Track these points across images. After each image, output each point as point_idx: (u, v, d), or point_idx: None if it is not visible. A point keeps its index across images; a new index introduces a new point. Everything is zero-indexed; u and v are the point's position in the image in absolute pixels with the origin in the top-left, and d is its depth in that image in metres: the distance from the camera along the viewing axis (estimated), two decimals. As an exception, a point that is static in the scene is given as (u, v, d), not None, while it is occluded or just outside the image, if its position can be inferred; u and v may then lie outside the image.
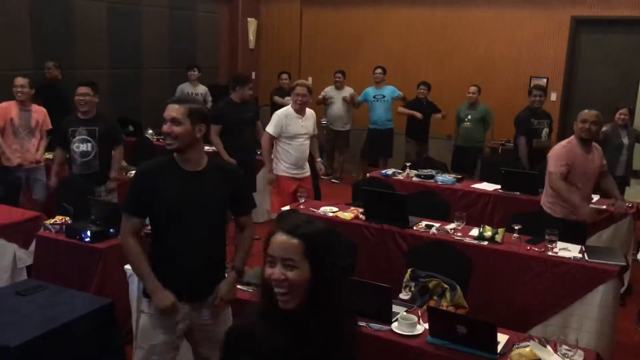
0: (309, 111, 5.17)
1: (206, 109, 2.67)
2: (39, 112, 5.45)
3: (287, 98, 5.98)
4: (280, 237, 1.49)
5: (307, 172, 5.22)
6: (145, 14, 8.28)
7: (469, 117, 7.15)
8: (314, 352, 1.50)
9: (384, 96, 7.89)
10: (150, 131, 7.48)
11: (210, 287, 2.65)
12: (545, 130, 6.28)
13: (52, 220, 3.96)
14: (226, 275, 2.72)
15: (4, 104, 5.29)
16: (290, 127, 5.04)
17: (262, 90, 9.65)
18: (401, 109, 7.71)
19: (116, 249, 3.68)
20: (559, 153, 4.23)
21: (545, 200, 4.38)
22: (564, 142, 4.32)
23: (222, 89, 8.72)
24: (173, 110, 2.49)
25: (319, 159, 5.51)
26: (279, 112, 5.12)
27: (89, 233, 3.72)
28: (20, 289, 3.09)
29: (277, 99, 7.97)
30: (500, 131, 7.66)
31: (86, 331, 2.75)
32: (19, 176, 5.30)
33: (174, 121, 2.48)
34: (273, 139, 5.10)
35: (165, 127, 2.49)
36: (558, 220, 4.20)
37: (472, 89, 7.19)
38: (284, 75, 8.46)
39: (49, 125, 5.52)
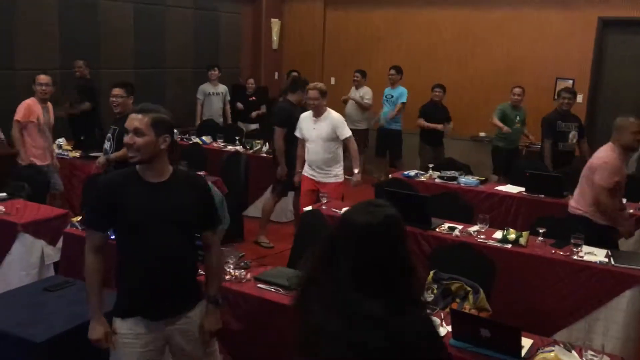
0: (331, 114, 5.09)
1: (170, 118, 2.47)
2: (51, 108, 5.52)
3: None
4: None
5: (328, 177, 5.11)
6: (170, 15, 8.37)
7: (518, 118, 6.96)
8: None
9: (392, 96, 7.89)
10: (174, 131, 7.54)
11: (180, 304, 2.50)
12: (573, 134, 6.20)
13: (79, 218, 4.03)
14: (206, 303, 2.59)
15: (29, 102, 5.28)
16: (303, 129, 5.15)
17: (285, 91, 9.68)
18: (421, 122, 7.54)
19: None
20: (615, 166, 4.02)
21: (586, 208, 4.14)
22: (614, 154, 4.06)
23: (244, 88, 8.79)
24: (136, 120, 2.36)
25: (356, 170, 5.17)
26: (301, 114, 5.24)
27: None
28: (48, 285, 3.16)
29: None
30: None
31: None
32: (46, 173, 5.39)
33: (137, 132, 2.35)
34: (302, 141, 5.26)
35: (127, 139, 2.37)
36: (592, 224, 4.11)
37: (517, 90, 6.91)
38: (295, 74, 8.47)
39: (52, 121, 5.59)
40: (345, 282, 1.51)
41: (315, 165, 5.13)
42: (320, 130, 5.05)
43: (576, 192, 4.29)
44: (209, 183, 5.15)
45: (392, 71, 7.90)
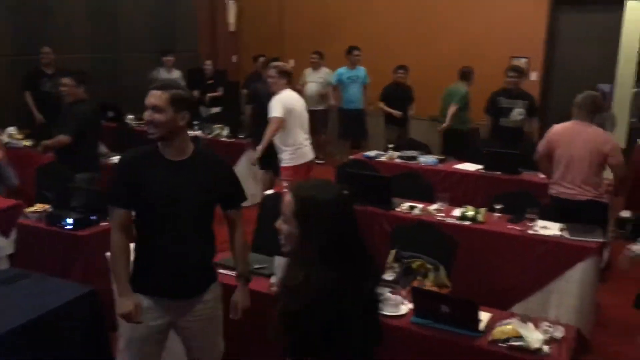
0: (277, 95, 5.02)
1: (191, 95, 2.54)
2: None
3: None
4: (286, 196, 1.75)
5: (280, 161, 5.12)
6: (124, -2, 8.15)
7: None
8: None
9: (358, 77, 7.89)
10: (130, 116, 7.40)
11: (196, 285, 2.53)
12: (518, 111, 6.29)
13: (32, 209, 3.92)
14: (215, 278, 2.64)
15: None
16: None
17: (244, 75, 9.55)
18: (381, 105, 7.60)
19: (98, 236, 3.66)
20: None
21: (596, 191, 4.09)
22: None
23: (202, 72, 8.65)
24: (155, 97, 2.36)
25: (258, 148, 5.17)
26: (277, 96, 4.97)
27: (70, 221, 3.69)
28: (3, 278, 3.07)
29: None
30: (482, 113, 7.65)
31: (69, 319, 2.73)
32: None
33: (155, 109, 2.35)
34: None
35: (147, 115, 2.37)
36: (602, 206, 4.12)
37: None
38: (262, 59, 8.38)
39: None
40: (310, 256, 1.68)
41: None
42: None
43: (572, 178, 4.10)
44: None
45: (357, 52, 7.89)
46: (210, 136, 6.73)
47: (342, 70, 7.97)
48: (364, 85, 7.92)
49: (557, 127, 4.26)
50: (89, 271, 3.58)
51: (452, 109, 7.02)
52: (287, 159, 5.07)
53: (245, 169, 6.49)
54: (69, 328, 2.75)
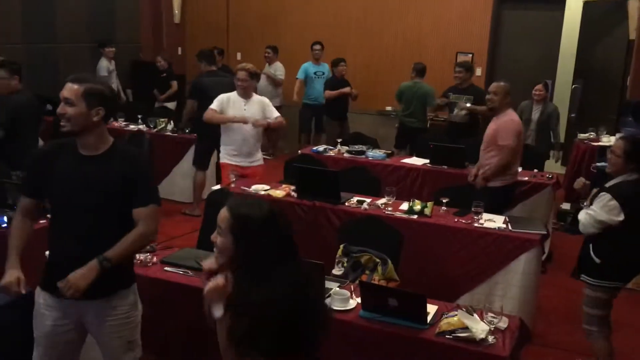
0: (257, 97, 4.96)
1: (109, 90, 2.41)
2: None
3: None
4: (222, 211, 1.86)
5: (255, 161, 4.99)
6: (61, -15, 7.83)
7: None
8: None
9: (323, 73, 7.84)
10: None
11: (97, 287, 2.31)
12: (461, 106, 6.41)
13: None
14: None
15: None
16: (231, 112, 4.83)
17: (189, 67, 9.37)
18: (329, 92, 7.56)
19: (37, 233, 3.49)
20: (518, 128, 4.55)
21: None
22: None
23: (146, 65, 8.42)
24: (67, 89, 2.30)
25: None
26: (221, 95, 4.90)
27: (5, 219, 3.51)
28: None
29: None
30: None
31: (7, 322, 2.60)
32: None
33: (67, 101, 2.29)
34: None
35: (59, 108, 2.30)
36: (486, 190, 4.36)
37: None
38: (216, 51, 8.23)
39: None
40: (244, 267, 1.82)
41: (245, 150, 4.92)
42: (252, 113, 4.82)
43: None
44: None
45: (318, 47, 7.82)
46: (154, 130, 6.56)
47: (308, 65, 7.88)
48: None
49: None
50: (28, 271, 3.40)
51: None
52: (261, 157, 5.08)
53: (190, 164, 6.37)
54: (7, 331, 2.62)
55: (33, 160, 2.46)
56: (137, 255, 3.17)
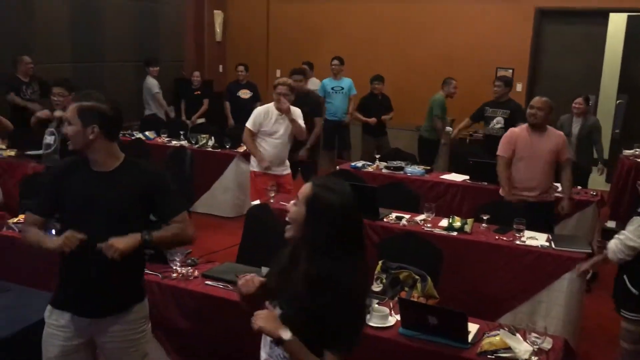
0: (294, 110, 5.07)
1: (107, 107, 2.33)
2: None
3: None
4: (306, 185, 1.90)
5: (285, 169, 5.18)
6: (109, 6, 8.08)
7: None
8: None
9: (342, 88, 7.81)
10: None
11: (110, 303, 2.37)
12: (497, 119, 6.36)
13: (15, 219, 3.85)
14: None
15: None
16: (267, 124, 5.03)
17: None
18: (356, 114, 7.64)
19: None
20: (504, 137, 4.65)
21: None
22: (514, 128, 4.70)
23: (188, 82, 8.61)
24: (68, 109, 2.33)
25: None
26: (259, 109, 5.14)
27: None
28: (-17, 291, 3.01)
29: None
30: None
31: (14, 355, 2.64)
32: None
33: (67, 121, 2.31)
34: (252, 134, 5.11)
35: (64, 128, 2.36)
36: (526, 206, 4.28)
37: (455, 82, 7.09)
38: (240, 67, 8.37)
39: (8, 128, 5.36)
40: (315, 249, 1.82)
41: (279, 159, 5.11)
42: (285, 127, 5.02)
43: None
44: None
45: (336, 62, 7.83)
46: (196, 146, 6.69)
47: (327, 81, 7.94)
48: (350, 97, 7.79)
49: None
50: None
51: (437, 122, 7.09)
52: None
53: (231, 178, 6.47)
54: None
55: (47, 179, 2.46)
56: (179, 269, 3.24)
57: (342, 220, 1.83)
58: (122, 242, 2.24)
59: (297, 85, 5.83)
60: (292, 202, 1.92)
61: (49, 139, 4.66)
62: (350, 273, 1.81)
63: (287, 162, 5.25)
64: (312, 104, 5.97)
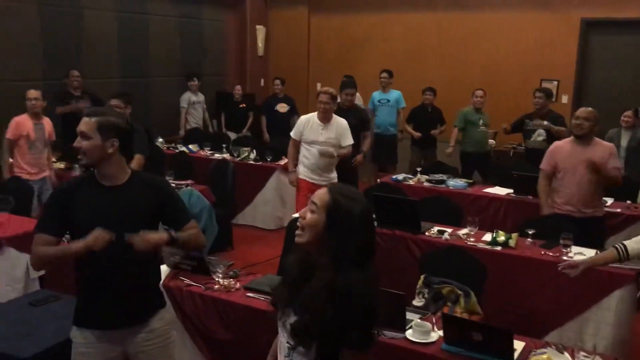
0: (338, 120, 5.09)
1: (123, 122, 2.41)
2: (48, 124, 5.50)
3: None
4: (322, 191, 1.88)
5: (328, 180, 5.07)
6: (153, 23, 8.31)
7: (481, 121, 7.00)
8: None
9: (388, 100, 7.76)
10: (160, 140, 7.50)
11: (134, 313, 2.42)
12: (539, 132, 6.26)
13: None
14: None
15: (19, 119, 5.31)
16: (306, 132, 5.08)
17: (271, 97, 9.65)
18: (404, 126, 7.63)
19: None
20: (548, 150, 4.60)
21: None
22: (558, 141, 4.63)
23: (229, 95, 8.75)
24: (83, 123, 2.34)
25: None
26: (302, 117, 5.21)
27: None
28: (33, 300, 3.11)
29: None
30: (510, 135, 7.58)
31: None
32: (33, 187, 5.32)
33: (83, 135, 2.33)
34: (295, 143, 5.22)
35: (75, 142, 2.35)
36: (573, 221, 4.17)
37: (479, 92, 6.98)
38: (277, 81, 8.44)
39: (53, 137, 5.58)
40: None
41: (317, 169, 5.11)
42: (328, 135, 5.04)
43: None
44: (195, 190, 5.11)
45: (385, 74, 7.79)
46: (238, 159, 6.77)
47: (376, 93, 7.91)
48: (398, 110, 7.72)
49: None
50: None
51: (453, 130, 7.19)
52: (335, 179, 5.18)
53: (272, 191, 6.53)
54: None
55: (55, 198, 2.45)
56: (221, 281, 3.28)
57: (364, 228, 1.83)
58: (151, 238, 2.33)
59: (349, 99, 5.81)
60: (306, 208, 1.88)
61: None
62: (370, 281, 1.82)
63: (333, 174, 5.19)
64: (360, 118, 5.92)
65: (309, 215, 1.85)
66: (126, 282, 2.38)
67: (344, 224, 1.80)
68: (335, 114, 5.18)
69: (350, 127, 5.22)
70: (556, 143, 4.61)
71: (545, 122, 6.19)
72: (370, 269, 1.83)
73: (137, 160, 4.66)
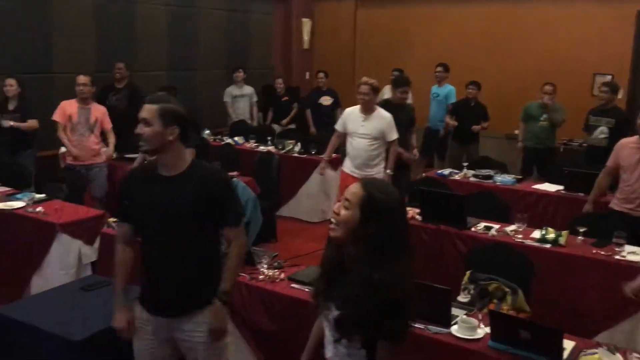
0: (381, 113, 5.02)
1: (184, 110, 2.42)
2: (97, 110, 5.59)
3: None
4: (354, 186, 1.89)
5: (369, 175, 4.96)
6: (202, 17, 8.43)
7: (544, 116, 6.76)
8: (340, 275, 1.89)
9: (438, 95, 7.67)
10: (207, 131, 7.61)
11: (182, 303, 2.43)
12: (601, 129, 6.03)
13: (115, 218, 4.08)
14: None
15: (65, 102, 5.51)
16: (349, 124, 5.08)
17: (316, 91, 9.66)
18: (447, 118, 7.48)
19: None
20: (615, 146, 4.46)
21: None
22: (625, 138, 4.46)
23: (275, 89, 8.79)
24: (145, 110, 2.35)
25: (388, 170, 5.15)
26: (347, 109, 5.23)
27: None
28: (85, 285, 3.20)
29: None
30: (561, 130, 7.38)
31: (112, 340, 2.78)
32: (85, 175, 5.47)
33: (145, 122, 2.34)
34: (338, 134, 5.26)
35: (137, 128, 2.36)
36: (628, 220, 4.05)
37: (547, 88, 6.66)
38: (321, 74, 8.41)
39: (108, 124, 5.65)
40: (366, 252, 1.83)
41: (358, 162, 5.07)
42: (368, 127, 4.98)
43: None
44: (240, 182, 5.17)
45: (439, 68, 7.68)
46: (282, 152, 6.81)
47: (433, 87, 7.80)
48: (447, 105, 7.56)
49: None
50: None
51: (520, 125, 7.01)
52: (380, 175, 5.08)
53: (316, 184, 6.54)
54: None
55: (122, 185, 2.55)
56: (266, 271, 3.31)
57: (398, 221, 1.86)
58: (217, 322, 2.42)
59: (404, 97, 5.71)
60: (340, 204, 1.90)
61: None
62: (406, 273, 1.82)
63: (378, 168, 5.09)
64: (411, 115, 5.83)
65: (342, 212, 1.87)
66: (173, 273, 2.40)
67: (379, 217, 1.82)
68: (386, 109, 5.14)
69: (402, 123, 5.19)
70: (622, 140, 4.44)
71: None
72: (405, 261, 1.83)
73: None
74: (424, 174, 6.38)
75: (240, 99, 8.42)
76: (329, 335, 1.99)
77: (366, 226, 1.82)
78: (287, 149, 6.87)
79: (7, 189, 4.83)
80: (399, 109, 5.48)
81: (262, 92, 9.10)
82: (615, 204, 4.31)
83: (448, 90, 7.63)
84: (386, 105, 5.45)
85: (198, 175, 2.39)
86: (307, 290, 3.16)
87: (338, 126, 5.23)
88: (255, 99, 8.50)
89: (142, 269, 2.49)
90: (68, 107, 5.47)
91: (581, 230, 3.90)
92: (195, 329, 2.44)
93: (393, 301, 1.78)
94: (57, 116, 5.45)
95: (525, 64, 8.26)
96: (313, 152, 6.65)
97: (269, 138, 7.29)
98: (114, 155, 5.91)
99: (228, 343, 2.57)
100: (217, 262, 2.50)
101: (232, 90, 8.37)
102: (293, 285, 3.23)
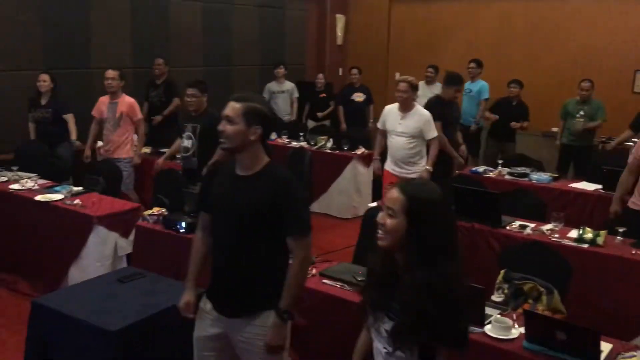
0: (420, 111, 4.99)
1: (268, 110, 2.40)
2: (124, 104, 5.60)
3: None
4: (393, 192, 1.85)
5: (409, 174, 4.96)
6: (237, 13, 8.48)
7: (582, 112, 6.64)
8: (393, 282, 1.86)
9: (470, 91, 7.54)
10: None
11: (239, 305, 2.39)
12: None
13: (150, 212, 4.14)
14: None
15: (102, 98, 5.67)
16: (388, 122, 5.07)
17: (349, 87, 9.63)
18: (486, 113, 7.34)
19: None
20: (637, 143, 4.31)
21: None
22: None
23: (309, 85, 8.79)
24: (229, 108, 2.32)
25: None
26: (387, 106, 5.22)
27: (183, 224, 3.86)
28: (121, 276, 3.25)
29: None
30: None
31: (181, 319, 2.84)
32: (121, 169, 5.58)
33: (228, 119, 2.31)
34: (381, 132, 5.26)
35: (220, 125, 2.33)
36: None
37: (584, 85, 6.59)
38: (354, 70, 8.35)
39: (137, 116, 5.68)
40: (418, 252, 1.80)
41: (397, 159, 5.06)
42: (406, 125, 4.96)
43: None
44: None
45: (472, 64, 7.57)
46: (315, 147, 6.82)
47: (466, 84, 7.69)
48: (480, 101, 7.44)
49: None
50: (201, 274, 3.69)
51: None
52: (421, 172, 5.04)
53: (348, 180, 6.53)
54: (181, 327, 2.85)
55: (204, 179, 2.69)
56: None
57: (446, 216, 1.84)
58: (275, 339, 2.36)
59: (456, 95, 5.62)
60: (383, 213, 1.85)
61: (186, 142, 4.94)
62: (460, 275, 1.79)
63: (418, 166, 5.04)
64: (459, 113, 5.79)
65: (388, 221, 1.83)
66: (234, 272, 2.41)
67: (426, 217, 1.79)
68: (437, 106, 5.11)
69: (452, 121, 5.25)
70: None
71: None
72: (458, 262, 1.80)
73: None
74: (457, 171, 6.30)
75: (280, 94, 8.30)
76: (380, 348, 1.93)
77: (415, 229, 1.79)
78: (320, 144, 6.88)
79: (46, 181, 4.95)
80: (449, 106, 5.42)
81: (298, 88, 9.10)
82: (634, 202, 4.15)
83: (480, 86, 7.49)
84: (437, 101, 5.39)
85: (268, 178, 2.34)
86: (339, 286, 3.16)
87: (379, 124, 5.24)
88: (296, 94, 8.38)
89: (212, 264, 2.52)
90: (101, 103, 5.62)
91: (620, 230, 3.80)
92: (253, 333, 2.38)
93: (451, 303, 1.75)
94: (93, 111, 5.62)
95: (564, 59, 8.08)
96: (345, 148, 6.64)
97: (301, 134, 7.30)
98: (143, 150, 6.02)
99: (284, 357, 2.49)
100: (281, 272, 2.39)
101: (272, 86, 8.33)
102: (324, 281, 3.23)
